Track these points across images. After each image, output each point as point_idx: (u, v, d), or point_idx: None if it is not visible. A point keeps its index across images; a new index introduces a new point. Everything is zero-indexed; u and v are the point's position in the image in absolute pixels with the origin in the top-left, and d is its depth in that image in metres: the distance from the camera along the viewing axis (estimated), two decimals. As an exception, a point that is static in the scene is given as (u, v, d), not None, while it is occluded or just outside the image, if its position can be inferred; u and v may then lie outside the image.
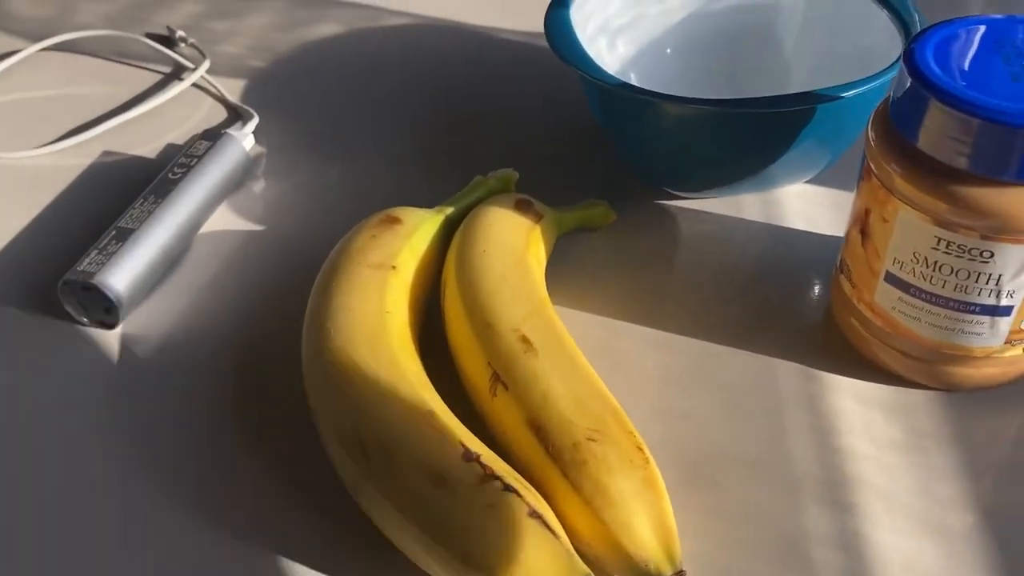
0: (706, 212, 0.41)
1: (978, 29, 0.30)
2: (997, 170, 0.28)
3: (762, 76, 0.44)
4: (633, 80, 0.44)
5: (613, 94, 0.37)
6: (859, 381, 0.34)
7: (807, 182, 0.42)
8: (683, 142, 0.38)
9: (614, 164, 0.43)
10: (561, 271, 0.38)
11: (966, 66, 0.29)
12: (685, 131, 0.38)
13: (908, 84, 0.29)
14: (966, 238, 0.29)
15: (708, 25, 0.45)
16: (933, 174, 0.29)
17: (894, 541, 0.30)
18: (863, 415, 0.33)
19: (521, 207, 0.36)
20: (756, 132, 0.38)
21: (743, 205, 0.41)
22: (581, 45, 0.39)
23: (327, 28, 0.54)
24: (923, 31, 0.30)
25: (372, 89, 0.49)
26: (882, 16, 0.40)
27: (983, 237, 0.29)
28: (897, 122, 0.30)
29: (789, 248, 0.39)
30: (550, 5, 0.41)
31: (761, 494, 0.31)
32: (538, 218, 0.37)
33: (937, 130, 0.28)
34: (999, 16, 0.31)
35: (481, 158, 0.43)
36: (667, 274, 0.39)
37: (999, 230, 0.29)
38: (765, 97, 0.36)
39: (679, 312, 0.37)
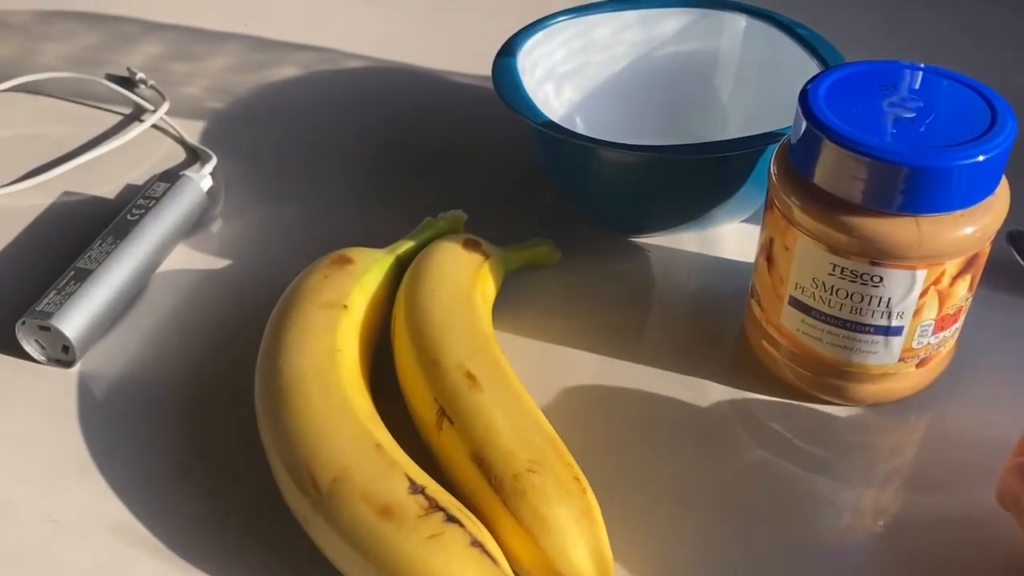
0: (649, 246, 0.43)
1: (866, 73, 0.33)
2: (883, 203, 0.30)
3: (703, 120, 0.46)
4: (579, 124, 0.46)
5: (553, 140, 0.39)
6: (771, 398, 0.36)
7: (744, 220, 0.44)
8: (621, 186, 0.40)
9: (561, 204, 0.45)
10: (510, 307, 0.39)
11: (854, 108, 0.31)
12: (622, 175, 0.40)
13: (803, 126, 0.31)
14: (857, 264, 0.32)
15: (651, 71, 0.47)
16: (827, 206, 0.31)
17: (816, 550, 0.32)
18: (776, 431, 0.35)
19: (469, 247, 0.38)
20: (692, 177, 0.39)
21: (683, 240, 0.43)
22: (525, 91, 0.41)
23: (286, 71, 0.56)
24: (816, 76, 0.33)
25: (329, 130, 0.51)
26: (812, 64, 0.42)
27: (872, 263, 0.31)
28: (795, 160, 0.32)
29: (725, 279, 0.41)
30: (498, 52, 0.43)
31: (697, 517, 0.33)
32: (485, 257, 0.38)
33: (829, 167, 0.31)
34: (885, 61, 0.34)
35: (434, 199, 0.44)
36: (610, 307, 0.40)
37: (886, 257, 0.31)
38: (698, 143, 0.38)
39: (620, 342, 0.39)
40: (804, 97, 0.32)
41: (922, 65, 0.34)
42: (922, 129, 0.31)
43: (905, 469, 0.35)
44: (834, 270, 0.32)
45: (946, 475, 0.34)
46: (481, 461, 0.30)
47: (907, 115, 0.31)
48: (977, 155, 0.30)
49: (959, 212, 0.31)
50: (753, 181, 0.39)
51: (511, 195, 0.46)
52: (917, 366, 0.35)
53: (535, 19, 0.45)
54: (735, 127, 0.45)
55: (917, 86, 0.33)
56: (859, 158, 0.30)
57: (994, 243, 0.39)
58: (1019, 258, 0.41)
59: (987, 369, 0.37)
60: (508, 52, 0.43)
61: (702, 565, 0.31)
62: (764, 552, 0.32)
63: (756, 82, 0.45)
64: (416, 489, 0.29)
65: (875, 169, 0.30)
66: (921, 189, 0.30)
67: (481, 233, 0.40)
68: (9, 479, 0.34)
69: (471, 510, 0.30)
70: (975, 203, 0.31)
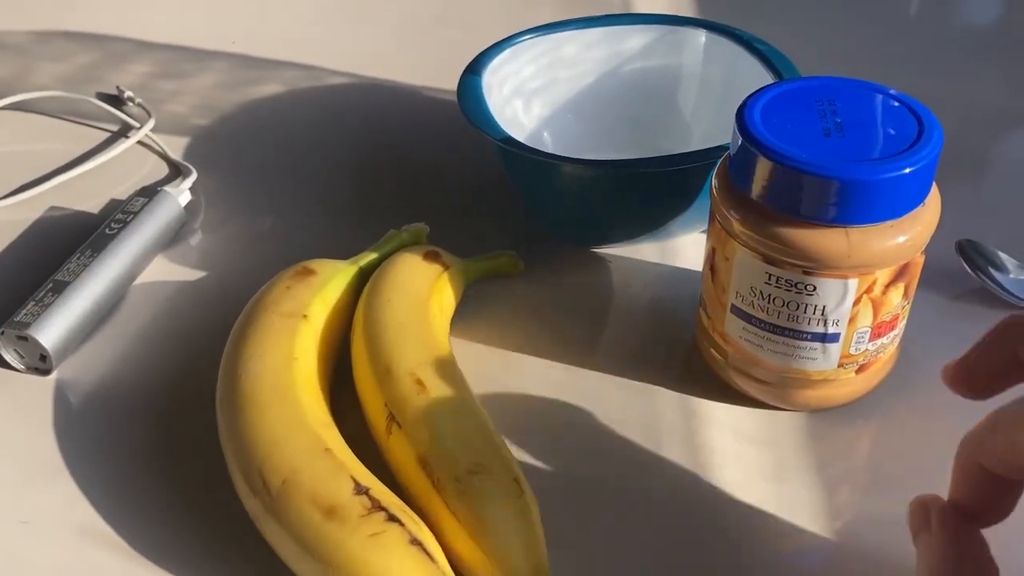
0: (610, 256, 0.44)
1: (803, 89, 0.34)
2: (814, 215, 0.32)
3: (668, 134, 0.48)
4: (547, 139, 0.47)
5: (513, 155, 0.40)
6: (720, 404, 0.38)
7: (702, 231, 0.45)
8: (581, 200, 0.42)
9: (526, 217, 0.46)
10: (471, 316, 0.41)
11: (788, 124, 0.32)
12: (580, 189, 0.41)
13: (739, 142, 0.32)
14: (792, 274, 0.33)
15: (617, 87, 0.48)
16: (763, 218, 0.33)
17: (766, 554, 0.33)
18: (725, 437, 0.37)
19: (429, 258, 0.39)
20: (650, 190, 0.41)
21: (643, 251, 0.44)
22: (487, 108, 0.42)
23: (270, 87, 0.57)
24: (753, 93, 0.34)
25: (306, 145, 0.52)
26: (770, 79, 0.43)
27: (805, 272, 0.33)
28: (733, 174, 0.33)
29: (681, 288, 0.42)
30: (464, 70, 0.44)
31: (642, 522, 0.34)
32: (445, 268, 0.39)
33: (763, 181, 0.32)
34: (822, 76, 0.35)
35: (406, 212, 0.46)
36: (569, 316, 0.42)
37: (818, 266, 0.32)
38: (651, 157, 0.39)
39: (577, 350, 0.40)
40: (740, 114, 0.33)
41: (858, 80, 0.35)
42: (852, 143, 0.32)
43: (851, 472, 0.36)
44: (770, 279, 0.33)
45: (891, 478, 0.35)
46: (425, 464, 0.31)
47: (839, 129, 0.32)
48: (903, 168, 0.31)
49: (888, 223, 0.32)
50: (707, 193, 0.40)
51: (477, 208, 0.47)
52: (857, 372, 0.36)
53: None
54: (698, 140, 0.47)
55: (851, 100, 0.34)
56: (790, 172, 0.31)
57: (944, 251, 0.40)
58: (967, 267, 0.41)
59: (932, 374, 0.38)
60: (473, 70, 0.44)
61: (645, 571, 0.32)
62: (710, 557, 0.33)
63: (717, 96, 0.47)
64: (360, 490, 0.30)
65: (806, 183, 0.31)
66: (849, 202, 0.31)
67: (446, 244, 0.41)
68: (-15, 482, 0.36)
69: (418, 511, 0.31)
70: (903, 214, 0.32)
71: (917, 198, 0.32)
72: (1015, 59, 0.60)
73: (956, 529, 0.28)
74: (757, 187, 0.32)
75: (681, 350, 0.40)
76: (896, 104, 0.33)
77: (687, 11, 0.62)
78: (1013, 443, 0.26)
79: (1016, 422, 0.26)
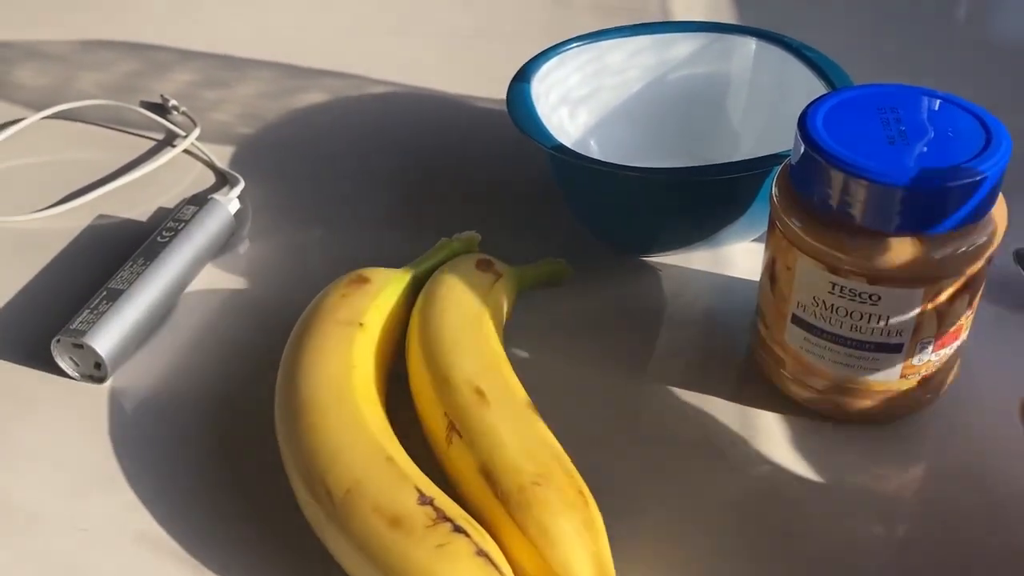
0: (660, 265, 0.44)
1: (865, 97, 0.34)
2: (879, 224, 0.31)
3: (715, 142, 0.47)
4: (593, 147, 0.47)
5: (564, 162, 0.40)
6: (779, 415, 0.37)
7: (754, 240, 0.45)
8: (632, 208, 0.41)
9: (575, 225, 0.46)
10: (523, 325, 0.41)
11: (852, 131, 0.32)
12: (631, 197, 0.41)
13: (802, 149, 0.32)
14: (856, 283, 0.32)
15: (664, 95, 0.48)
16: (826, 227, 0.32)
17: (827, 567, 0.32)
18: (784, 449, 0.36)
19: (482, 266, 0.39)
20: (702, 198, 0.40)
21: (694, 259, 0.44)
22: (538, 115, 0.42)
23: (313, 96, 0.57)
24: (816, 100, 0.34)
25: (353, 153, 0.52)
26: (820, 86, 0.43)
27: (870, 282, 0.32)
28: (795, 182, 0.33)
29: (734, 298, 0.42)
30: (513, 78, 0.44)
31: (703, 534, 0.33)
32: (497, 276, 0.39)
33: (827, 189, 0.32)
34: (883, 84, 0.35)
35: (454, 220, 0.45)
36: (621, 325, 0.41)
37: (883, 276, 0.32)
38: (705, 166, 0.39)
39: (630, 359, 0.40)
40: (803, 121, 0.33)
41: (920, 88, 0.34)
42: (918, 151, 0.32)
43: (912, 485, 0.35)
44: (833, 289, 0.33)
45: (955, 491, 0.35)
46: (488, 474, 0.31)
47: (903, 137, 0.32)
48: (972, 176, 0.31)
49: (955, 232, 0.32)
50: (760, 202, 0.40)
51: (527, 216, 0.47)
52: (919, 383, 0.35)
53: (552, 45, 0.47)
54: (747, 148, 0.46)
55: (914, 108, 0.33)
56: (856, 180, 0.31)
57: (1001, 261, 0.39)
58: (1026, 276, 0.41)
59: (993, 386, 0.38)
60: (522, 78, 0.44)
61: (704, 577, 0.32)
62: (771, 570, 0.32)
63: (766, 104, 0.46)
64: (425, 501, 0.30)
65: (872, 191, 0.31)
66: (917, 210, 0.31)
67: (496, 252, 0.41)
68: (41, 489, 0.36)
69: (479, 522, 0.31)
70: (971, 223, 0.32)
71: (986, 206, 0.32)
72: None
73: None
74: (821, 195, 0.32)
75: (736, 360, 0.40)
76: (961, 111, 0.33)
77: (727, 17, 0.62)
78: None
79: None
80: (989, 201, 0.32)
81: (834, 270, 0.33)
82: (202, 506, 0.35)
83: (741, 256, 0.44)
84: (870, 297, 0.33)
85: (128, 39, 0.63)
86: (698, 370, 0.39)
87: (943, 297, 0.33)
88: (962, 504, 0.34)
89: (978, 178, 0.31)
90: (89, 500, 0.35)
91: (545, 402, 0.35)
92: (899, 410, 0.36)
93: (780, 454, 0.36)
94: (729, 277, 0.43)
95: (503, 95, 0.43)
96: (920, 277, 0.32)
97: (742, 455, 0.36)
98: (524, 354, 0.40)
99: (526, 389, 0.35)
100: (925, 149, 0.32)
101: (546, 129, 0.41)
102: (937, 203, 0.31)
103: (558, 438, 0.33)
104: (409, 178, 0.51)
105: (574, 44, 0.47)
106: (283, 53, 0.61)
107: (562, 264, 0.42)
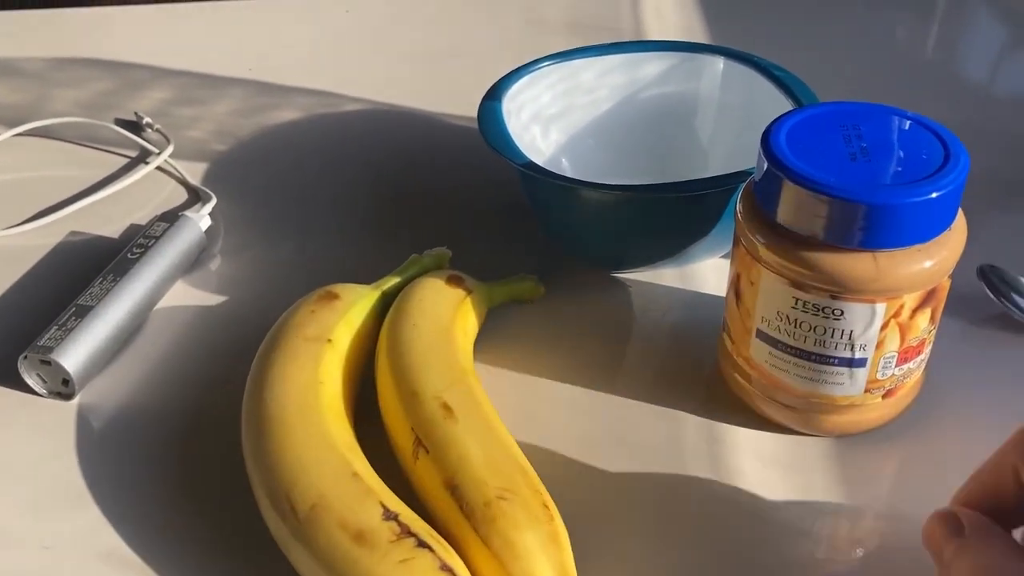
0: (631, 281, 0.44)
1: (827, 114, 0.34)
2: (841, 239, 0.32)
3: (685, 159, 0.48)
4: (565, 164, 0.48)
5: (534, 180, 0.40)
6: (744, 429, 0.38)
7: (723, 256, 0.45)
8: (601, 225, 0.42)
9: (546, 240, 0.46)
10: (493, 340, 0.41)
11: (814, 148, 0.33)
12: (600, 214, 0.41)
13: (765, 166, 0.32)
14: (819, 298, 0.33)
15: (634, 113, 0.48)
16: (789, 243, 0.33)
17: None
18: (750, 462, 0.36)
19: (452, 282, 0.39)
20: (670, 215, 0.41)
21: (663, 275, 0.45)
22: (508, 133, 0.42)
23: (286, 114, 0.58)
24: (779, 118, 0.34)
25: (324, 170, 0.53)
26: (787, 104, 0.44)
27: (833, 297, 0.33)
28: (759, 198, 0.33)
29: (702, 313, 0.42)
30: (484, 96, 0.45)
31: (669, 547, 0.34)
32: (468, 292, 0.39)
33: (789, 206, 0.32)
34: (846, 102, 0.35)
35: (425, 236, 0.46)
36: (591, 340, 0.42)
37: (846, 291, 0.32)
38: (672, 183, 0.39)
39: (599, 374, 0.40)
40: (766, 138, 0.33)
41: (882, 106, 0.35)
42: (878, 168, 0.32)
43: (877, 498, 0.36)
44: (797, 304, 0.33)
45: (917, 504, 0.35)
46: (454, 489, 0.31)
47: (865, 154, 0.33)
48: (930, 192, 0.31)
49: (915, 247, 0.32)
50: (728, 219, 0.41)
51: (498, 232, 0.48)
52: (884, 397, 0.35)
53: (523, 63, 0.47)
54: (716, 166, 0.47)
55: (876, 126, 0.34)
56: (817, 197, 0.31)
57: (965, 276, 0.40)
58: (989, 292, 0.41)
59: (957, 400, 0.38)
60: (493, 96, 0.45)
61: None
62: (732, 578, 0.33)
63: (735, 122, 0.47)
64: (389, 516, 0.30)
65: (833, 207, 0.31)
66: (877, 226, 0.31)
67: (467, 268, 0.41)
68: (7, 506, 0.35)
69: (445, 536, 0.31)
70: (930, 239, 0.32)
71: (945, 222, 0.32)
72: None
73: (990, 531, 0.28)
74: (783, 212, 0.33)
75: (704, 375, 0.40)
76: (921, 129, 0.34)
77: (700, 37, 0.63)
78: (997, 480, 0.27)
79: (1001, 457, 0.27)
80: (948, 217, 0.32)
81: (797, 285, 0.33)
82: (169, 523, 0.35)
83: (710, 272, 0.45)
84: (833, 312, 0.33)
85: (103, 57, 0.63)
86: (667, 384, 0.39)
87: (905, 312, 0.33)
88: (926, 515, 0.34)
89: (937, 194, 0.31)
90: (55, 517, 0.35)
91: (513, 416, 0.35)
92: (864, 423, 0.36)
93: (747, 467, 0.36)
94: (698, 293, 0.44)
95: (473, 112, 0.44)
96: (882, 292, 0.32)
97: (709, 468, 0.36)
98: (493, 368, 0.40)
99: (494, 404, 0.35)
100: (885, 166, 0.32)
101: (516, 147, 0.42)
102: (897, 219, 0.31)
103: (525, 452, 0.34)
104: (381, 194, 0.51)
105: (545, 63, 0.47)
106: (257, 71, 0.61)
107: (533, 282, 0.43)
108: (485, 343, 0.40)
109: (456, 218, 0.49)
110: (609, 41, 0.49)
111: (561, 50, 0.48)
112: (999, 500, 0.29)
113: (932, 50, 0.65)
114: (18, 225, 0.48)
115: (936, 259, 0.32)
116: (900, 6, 0.68)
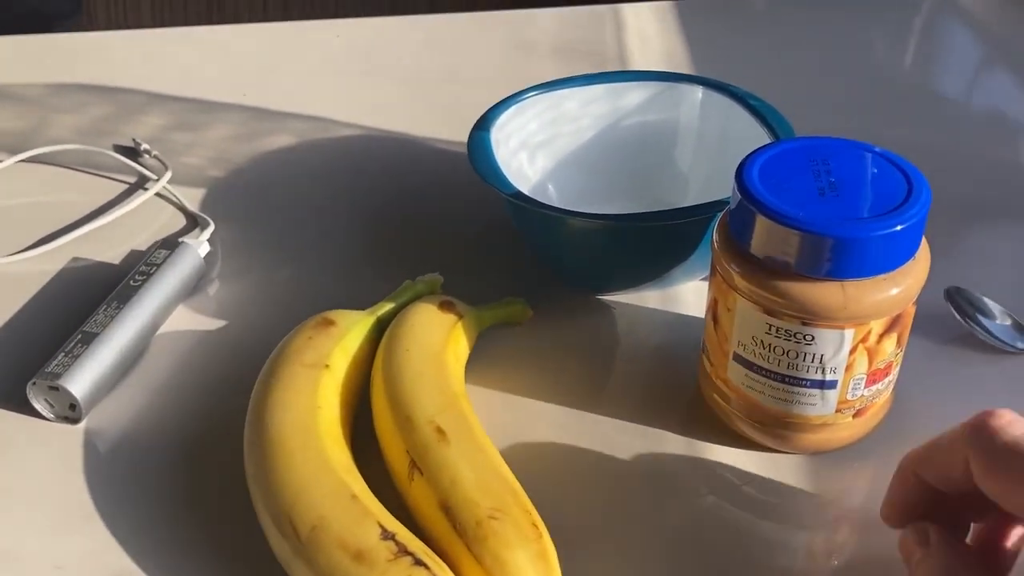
0: (615, 303, 0.46)
1: (798, 149, 0.36)
2: (810, 270, 0.34)
3: (666, 185, 0.50)
4: (551, 191, 0.49)
5: (521, 208, 0.42)
6: (723, 447, 0.39)
7: (703, 279, 0.47)
8: (585, 250, 0.44)
9: (534, 265, 0.48)
10: (483, 362, 0.43)
11: (785, 182, 0.35)
12: (584, 240, 0.43)
13: (739, 200, 0.34)
14: (791, 324, 0.35)
15: (617, 141, 0.50)
16: (762, 272, 0.35)
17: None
18: (729, 479, 0.38)
19: (444, 308, 0.41)
20: (650, 242, 0.43)
21: (647, 298, 0.46)
22: (496, 163, 0.44)
23: (282, 139, 0.59)
24: (752, 152, 0.36)
25: (320, 195, 0.54)
26: (763, 134, 0.46)
27: (804, 323, 0.35)
28: (733, 230, 0.35)
29: (684, 335, 0.44)
30: (474, 126, 0.47)
31: (652, 562, 0.35)
32: (459, 317, 0.41)
33: (762, 238, 0.34)
34: (816, 137, 0.37)
35: (418, 261, 0.47)
36: (576, 361, 0.43)
37: (816, 318, 0.34)
38: (652, 212, 0.41)
39: (584, 394, 0.42)
40: (740, 173, 0.35)
41: (851, 141, 0.37)
42: (845, 202, 0.34)
43: (850, 513, 0.38)
44: (770, 330, 0.35)
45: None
46: (448, 509, 0.33)
47: (833, 189, 0.34)
48: (894, 225, 0.33)
49: (881, 276, 0.34)
50: (707, 244, 0.42)
51: (488, 257, 0.49)
52: (854, 416, 0.37)
53: (515, 90, 0.49)
54: (695, 192, 0.49)
55: (844, 161, 0.36)
56: (788, 230, 0.33)
57: (932, 298, 0.42)
58: (955, 313, 0.43)
59: (925, 417, 0.40)
60: (482, 126, 0.46)
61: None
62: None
63: (713, 150, 0.49)
64: (387, 536, 0.32)
65: (802, 240, 0.33)
66: (845, 258, 0.33)
67: (458, 292, 0.43)
68: (18, 529, 0.37)
69: (440, 555, 0.33)
70: (895, 268, 0.34)
71: (908, 253, 0.34)
72: (993, 112, 0.62)
73: (953, 543, 0.31)
74: (756, 243, 0.34)
75: (685, 395, 0.42)
76: (886, 163, 0.36)
77: (683, 67, 0.65)
78: (948, 461, 0.30)
79: (952, 442, 0.30)
80: (911, 247, 0.34)
81: (770, 312, 0.35)
82: (175, 543, 0.36)
83: (691, 295, 0.46)
84: (804, 337, 0.35)
85: (101, 83, 0.64)
86: (650, 404, 0.41)
87: (872, 337, 0.35)
88: (894, 533, 0.36)
89: (901, 227, 0.33)
90: (65, 539, 0.37)
91: (503, 437, 0.37)
92: (836, 441, 0.38)
93: (726, 484, 0.38)
94: (679, 315, 0.46)
95: (464, 138, 0.46)
96: (850, 319, 0.34)
97: (691, 485, 0.38)
98: (484, 391, 0.42)
99: (485, 425, 0.37)
100: (853, 200, 0.34)
101: (504, 176, 0.43)
102: (863, 251, 0.33)
103: (515, 472, 0.35)
104: (376, 220, 0.52)
105: (531, 93, 0.49)
106: (253, 97, 0.63)
107: (521, 305, 0.44)
108: (476, 364, 0.42)
109: (446, 242, 0.51)
110: (595, 65, 0.51)
111: (547, 80, 0.50)
112: (947, 482, 0.31)
113: (905, 76, 0.67)
114: (21, 252, 0.50)
115: (901, 287, 0.34)
116: (876, 33, 0.71)
